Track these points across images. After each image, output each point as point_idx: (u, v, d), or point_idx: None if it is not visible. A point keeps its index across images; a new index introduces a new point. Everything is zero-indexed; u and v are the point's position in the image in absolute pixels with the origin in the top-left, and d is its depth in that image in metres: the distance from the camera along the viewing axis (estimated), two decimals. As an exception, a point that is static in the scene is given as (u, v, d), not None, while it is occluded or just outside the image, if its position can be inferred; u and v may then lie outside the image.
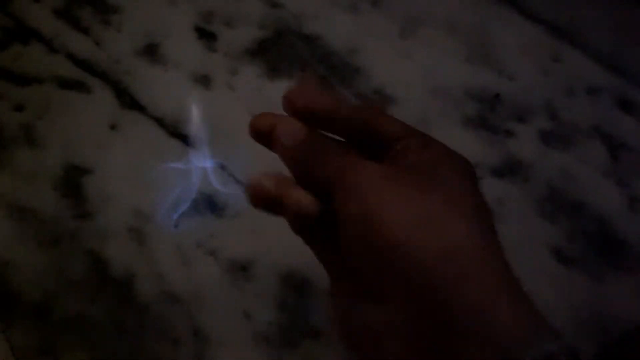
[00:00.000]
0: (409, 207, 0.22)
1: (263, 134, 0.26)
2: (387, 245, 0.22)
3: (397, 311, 0.22)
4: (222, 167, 0.43)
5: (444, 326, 0.21)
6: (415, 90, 0.49)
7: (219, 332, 0.37)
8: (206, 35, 0.50)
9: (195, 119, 0.41)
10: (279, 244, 0.39)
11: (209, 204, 0.42)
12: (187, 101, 0.42)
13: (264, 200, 0.25)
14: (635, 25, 0.54)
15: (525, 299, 0.22)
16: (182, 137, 0.44)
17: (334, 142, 0.26)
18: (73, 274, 0.38)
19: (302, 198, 0.24)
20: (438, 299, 0.21)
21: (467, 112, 0.48)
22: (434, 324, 0.21)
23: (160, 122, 0.45)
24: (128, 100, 0.45)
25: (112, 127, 0.44)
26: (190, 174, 0.43)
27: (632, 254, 0.42)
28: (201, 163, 0.43)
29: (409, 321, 0.22)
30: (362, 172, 0.24)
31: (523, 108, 0.49)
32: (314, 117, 0.25)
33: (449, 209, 0.23)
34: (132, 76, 0.47)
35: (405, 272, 0.21)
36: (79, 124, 0.44)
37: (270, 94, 0.47)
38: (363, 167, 0.24)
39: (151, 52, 0.48)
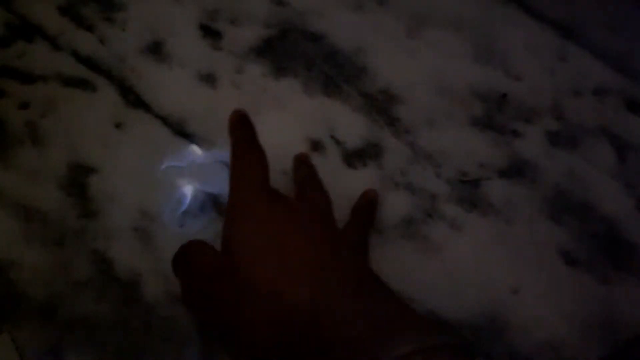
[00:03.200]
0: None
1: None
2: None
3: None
4: (228, 166, 0.43)
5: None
6: (421, 90, 0.49)
7: (225, 333, 0.37)
8: (211, 34, 0.49)
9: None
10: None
11: (214, 204, 0.42)
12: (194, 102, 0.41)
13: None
14: (643, 25, 0.54)
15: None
16: (187, 136, 0.44)
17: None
18: (78, 274, 0.38)
19: None
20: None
21: (473, 112, 0.48)
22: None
23: (165, 120, 0.44)
24: (133, 99, 0.45)
25: (117, 125, 0.44)
26: (195, 173, 0.43)
27: (640, 256, 0.42)
28: (207, 162, 0.43)
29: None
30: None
31: (530, 108, 0.48)
32: None
33: None
34: (137, 74, 0.46)
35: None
36: (84, 123, 0.44)
37: (275, 93, 0.47)
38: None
39: (156, 50, 0.48)
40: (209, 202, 0.42)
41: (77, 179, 0.41)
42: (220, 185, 0.42)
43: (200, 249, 0.30)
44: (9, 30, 0.47)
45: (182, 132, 0.44)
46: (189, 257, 0.30)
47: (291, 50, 0.49)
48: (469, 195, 0.44)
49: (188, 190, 0.42)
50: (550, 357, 0.38)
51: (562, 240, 0.43)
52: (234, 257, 0.27)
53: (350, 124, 0.46)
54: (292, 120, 0.46)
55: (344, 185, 0.42)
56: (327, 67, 0.49)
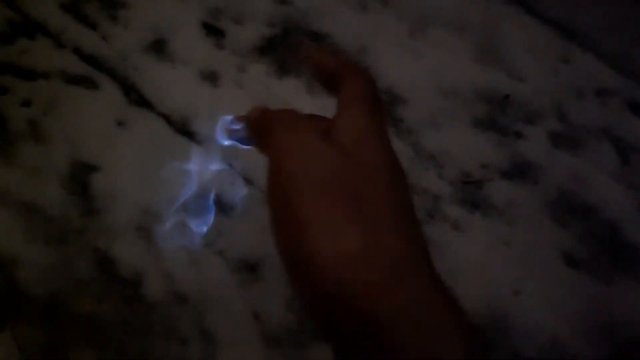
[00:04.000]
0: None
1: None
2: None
3: None
4: (231, 166, 0.42)
5: None
6: (424, 90, 0.49)
7: (227, 332, 0.36)
8: (214, 32, 0.49)
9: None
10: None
11: (217, 203, 0.41)
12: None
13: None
14: (646, 27, 0.54)
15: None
16: (190, 135, 0.44)
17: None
18: (80, 273, 0.37)
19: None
20: None
21: (476, 113, 0.48)
22: None
23: (167, 119, 0.44)
24: (135, 97, 0.45)
25: (120, 123, 0.44)
26: (198, 172, 0.42)
27: (642, 258, 0.42)
28: (210, 161, 0.43)
29: None
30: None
31: (533, 109, 0.48)
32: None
33: None
34: (140, 72, 0.46)
35: None
36: (86, 120, 0.43)
37: (278, 92, 0.47)
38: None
39: (159, 48, 0.47)
40: (212, 201, 0.41)
41: (80, 177, 0.41)
42: (223, 184, 0.42)
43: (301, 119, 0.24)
44: (11, 27, 0.47)
45: (185, 131, 0.44)
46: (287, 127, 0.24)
47: (294, 49, 0.49)
48: (472, 197, 0.44)
49: (190, 189, 0.42)
50: (552, 358, 0.38)
51: (564, 242, 0.43)
52: (343, 147, 0.22)
53: (353, 124, 0.46)
54: (294, 119, 0.46)
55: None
56: (330, 67, 0.49)
